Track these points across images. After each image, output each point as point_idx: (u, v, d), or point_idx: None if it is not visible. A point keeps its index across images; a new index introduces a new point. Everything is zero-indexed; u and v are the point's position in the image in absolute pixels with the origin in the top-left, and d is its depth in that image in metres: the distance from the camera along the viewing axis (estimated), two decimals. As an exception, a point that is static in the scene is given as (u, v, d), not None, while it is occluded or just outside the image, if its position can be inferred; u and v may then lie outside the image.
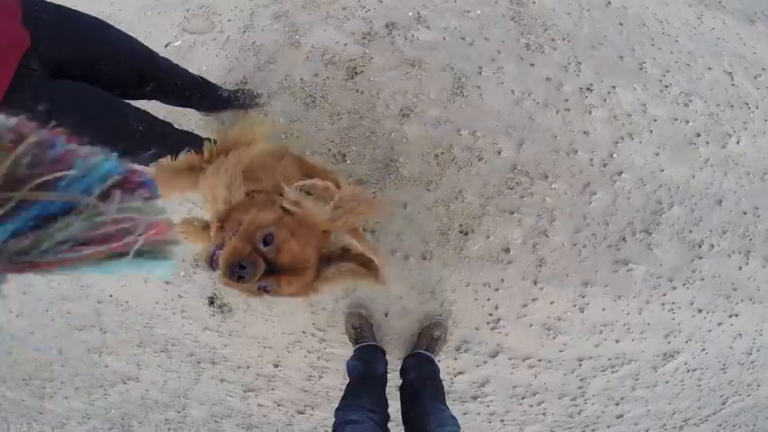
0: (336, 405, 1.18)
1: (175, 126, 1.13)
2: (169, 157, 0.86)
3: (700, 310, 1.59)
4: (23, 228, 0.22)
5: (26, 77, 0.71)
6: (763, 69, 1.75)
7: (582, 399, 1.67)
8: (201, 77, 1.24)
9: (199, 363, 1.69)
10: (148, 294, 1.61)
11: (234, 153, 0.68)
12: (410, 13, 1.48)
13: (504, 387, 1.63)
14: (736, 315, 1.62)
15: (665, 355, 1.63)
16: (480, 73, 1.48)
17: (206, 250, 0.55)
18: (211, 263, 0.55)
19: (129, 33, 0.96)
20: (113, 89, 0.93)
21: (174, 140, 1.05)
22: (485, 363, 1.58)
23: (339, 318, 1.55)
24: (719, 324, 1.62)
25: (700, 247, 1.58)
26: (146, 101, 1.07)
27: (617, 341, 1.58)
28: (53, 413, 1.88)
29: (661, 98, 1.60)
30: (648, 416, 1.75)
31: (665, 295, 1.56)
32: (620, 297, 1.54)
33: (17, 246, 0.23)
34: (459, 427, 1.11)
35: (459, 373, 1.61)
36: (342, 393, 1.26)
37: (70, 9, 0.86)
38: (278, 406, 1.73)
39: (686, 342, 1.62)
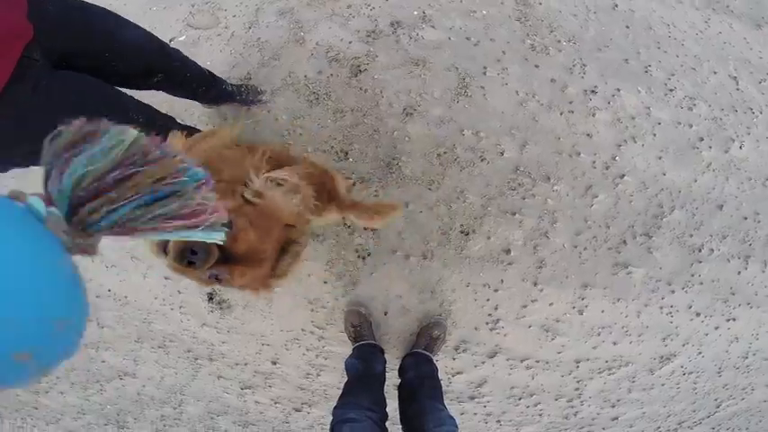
0: (334, 403, 1.21)
1: (178, 121, 1.18)
2: None
3: (698, 314, 1.66)
4: (141, 205, 0.35)
5: (28, 68, 0.74)
6: (769, 74, 1.81)
7: (578, 400, 1.73)
8: (208, 71, 1.27)
9: (196, 359, 1.74)
10: (147, 290, 1.65)
11: (186, 144, 0.71)
12: (415, 12, 1.52)
13: (501, 388, 1.68)
14: (734, 319, 1.69)
15: (662, 357, 1.69)
16: (485, 73, 1.52)
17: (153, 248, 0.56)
18: (164, 248, 0.56)
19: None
20: (118, 80, 0.96)
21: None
22: (483, 363, 1.64)
23: (338, 316, 1.60)
24: (716, 328, 1.69)
25: (700, 251, 1.64)
26: (147, 97, 1.11)
27: (615, 343, 1.64)
28: (48, 408, 1.92)
29: (665, 101, 1.65)
30: (643, 418, 1.81)
31: (663, 298, 1.63)
32: (618, 300, 1.60)
33: (133, 215, 0.35)
34: (456, 426, 1.14)
35: (458, 373, 1.66)
36: (339, 392, 1.29)
37: (78, 0, 0.89)
38: (275, 403, 1.79)
39: (683, 345, 1.68)
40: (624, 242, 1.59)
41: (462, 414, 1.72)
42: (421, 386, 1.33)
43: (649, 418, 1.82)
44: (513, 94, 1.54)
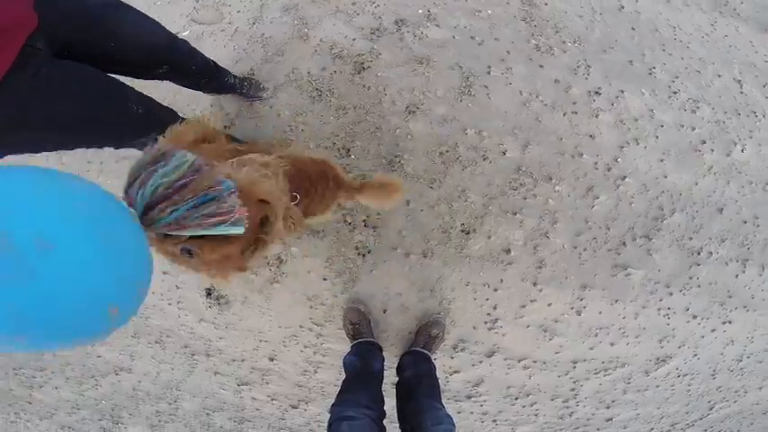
0: (331, 401, 1.24)
1: (180, 115, 1.22)
2: None
3: (694, 316, 1.73)
4: (192, 206, 0.51)
5: (30, 57, 0.76)
6: (773, 78, 1.88)
7: (574, 401, 1.80)
8: (213, 62, 1.30)
9: (193, 355, 1.79)
10: None
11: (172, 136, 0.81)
12: (420, 11, 1.56)
13: (498, 387, 1.74)
14: (730, 322, 1.76)
15: (658, 359, 1.76)
16: (489, 73, 1.57)
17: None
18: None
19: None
20: (121, 70, 0.98)
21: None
22: (480, 362, 1.69)
23: (337, 313, 1.65)
24: (713, 330, 1.76)
25: (698, 254, 1.71)
26: (151, 88, 1.14)
27: (612, 344, 1.71)
28: (42, 403, 1.96)
29: (669, 104, 1.71)
30: (637, 419, 1.88)
31: (661, 300, 1.69)
32: (617, 301, 1.66)
33: (187, 214, 0.51)
34: (454, 425, 1.17)
35: (455, 372, 1.71)
36: (336, 389, 1.32)
37: None
38: (271, 400, 1.84)
39: (679, 347, 1.75)
40: (624, 244, 1.65)
41: (459, 413, 1.77)
42: (419, 384, 1.36)
43: (643, 420, 1.89)
44: (516, 94, 1.59)
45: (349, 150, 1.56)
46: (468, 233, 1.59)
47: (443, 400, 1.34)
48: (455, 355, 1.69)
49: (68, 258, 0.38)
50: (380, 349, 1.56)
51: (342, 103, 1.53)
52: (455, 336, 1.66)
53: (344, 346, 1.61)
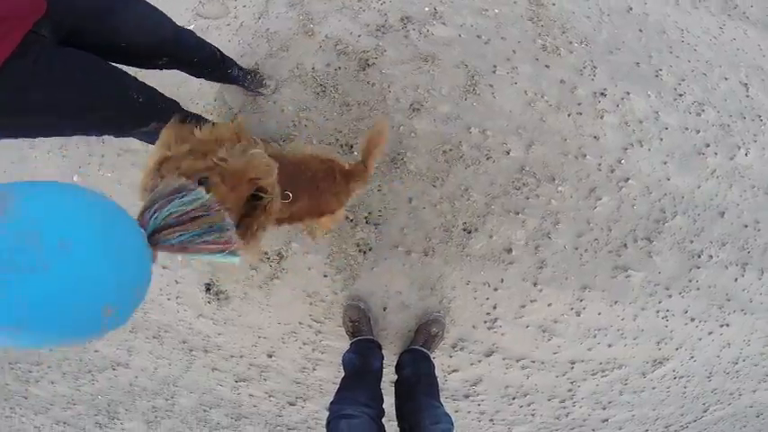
0: (329, 398, 1.26)
1: (182, 106, 1.25)
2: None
3: (692, 319, 1.79)
4: (197, 234, 0.61)
5: (33, 43, 0.79)
6: (780, 81, 1.93)
7: (570, 401, 1.85)
8: (219, 52, 1.32)
9: (191, 350, 1.84)
10: None
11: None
12: (426, 8, 1.58)
13: (496, 387, 1.79)
14: (727, 325, 1.82)
15: (655, 361, 1.82)
16: (494, 72, 1.60)
17: (147, 182, 0.74)
18: (151, 191, 0.71)
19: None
20: (123, 59, 1.01)
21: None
22: (479, 362, 1.74)
23: (336, 310, 1.69)
24: (710, 333, 1.82)
25: (699, 257, 1.77)
26: (157, 78, 1.17)
27: (610, 346, 1.77)
28: (37, 398, 1.99)
29: (674, 106, 1.76)
30: (633, 421, 1.94)
31: (660, 303, 1.75)
32: (616, 302, 1.72)
33: (191, 239, 0.60)
34: (452, 424, 1.20)
35: (453, 371, 1.76)
36: (335, 386, 1.35)
37: None
38: (269, 397, 1.89)
39: (676, 349, 1.81)
40: (625, 245, 1.71)
41: (456, 412, 1.82)
42: (418, 383, 1.39)
43: (638, 421, 1.95)
44: (521, 94, 1.63)
45: (352, 147, 1.60)
46: (469, 232, 1.63)
47: (441, 399, 1.37)
48: (454, 354, 1.74)
49: (80, 258, 0.46)
50: (380, 347, 1.59)
51: (346, 99, 1.56)
52: (454, 334, 1.71)
53: (344, 344, 1.66)
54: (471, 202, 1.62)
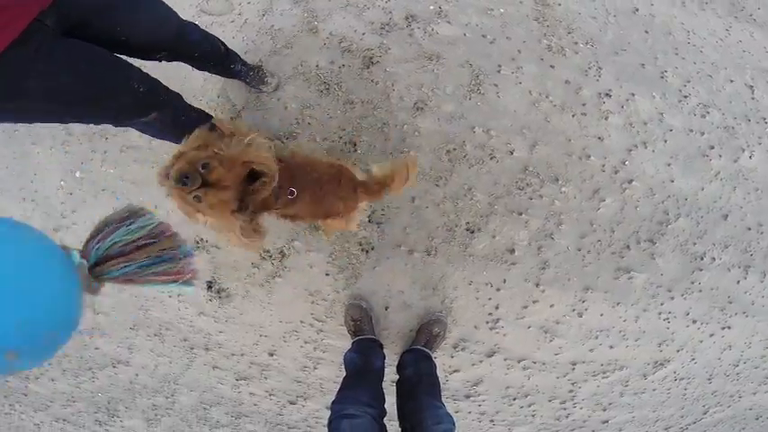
0: (329, 397, 1.27)
1: (184, 99, 1.28)
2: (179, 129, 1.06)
3: (694, 321, 1.82)
4: (145, 265, 0.57)
5: (36, 32, 0.81)
6: (786, 84, 1.96)
7: (571, 402, 1.88)
8: (224, 46, 1.35)
9: (192, 348, 1.87)
10: None
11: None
12: (431, 7, 1.61)
13: (497, 387, 1.82)
14: (729, 327, 1.86)
15: (656, 363, 1.85)
16: (499, 71, 1.63)
17: (164, 170, 0.91)
18: (167, 176, 0.89)
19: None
20: (125, 51, 1.03)
21: (179, 111, 1.17)
22: (480, 362, 1.77)
23: (338, 309, 1.72)
24: (711, 335, 1.86)
25: (701, 259, 1.81)
26: (164, 71, 1.19)
27: (611, 347, 1.80)
28: (37, 395, 2.02)
29: (679, 108, 1.79)
30: (633, 422, 1.97)
31: (662, 304, 1.78)
32: (618, 304, 1.75)
33: (137, 271, 0.56)
34: (454, 424, 1.22)
35: (455, 371, 1.79)
36: (335, 385, 1.36)
37: None
38: (269, 395, 1.92)
39: (677, 351, 1.84)
40: (628, 247, 1.74)
41: (457, 412, 1.85)
42: (419, 383, 1.42)
43: (638, 423, 1.99)
44: (526, 94, 1.66)
45: (355, 145, 1.63)
46: (472, 232, 1.67)
47: (442, 399, 1.39)
48: (455, 354, 1.77)
49: None
50: (381, 346, 1.62)
51: (349, 97, 1.59)
52: (456, 335, 1.74)
53: (345, 343, 1.68)
54: (474, 202, 1.65)
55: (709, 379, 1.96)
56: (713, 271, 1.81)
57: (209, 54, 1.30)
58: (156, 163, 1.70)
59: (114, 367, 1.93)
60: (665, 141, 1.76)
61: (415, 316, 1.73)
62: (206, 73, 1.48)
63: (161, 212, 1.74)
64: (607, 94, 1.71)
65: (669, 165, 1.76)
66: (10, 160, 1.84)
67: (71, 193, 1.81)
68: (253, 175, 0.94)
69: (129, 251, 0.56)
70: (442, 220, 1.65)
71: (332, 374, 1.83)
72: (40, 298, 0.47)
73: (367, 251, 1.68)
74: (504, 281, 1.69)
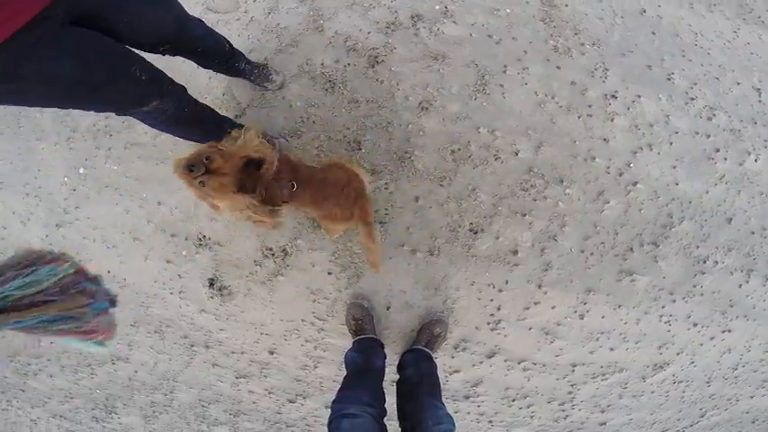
0: (329, 396, 1.29)
1: (188, 91, 1.30)
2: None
3: (695, 324, 1.86)
4: (42, 321, 0.52)
5: (44, 19, 0.83)
6: (793, 87, 1.98)
7: (570, 404, 1.91)
8: (229, 44, 1.36)
9: (192, 346, 1.90)
10: (147, 273, 1.77)
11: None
12: (437, 7, 1.62)
13: (496, 388, 1.85)
14: (729, 331, 1.89)
15: (656, 365, 1.89)
16: (505, 72, 1.64)
17: (178, 162, 1.05)
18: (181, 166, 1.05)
19: None
20: (130, 44, 1.06)
21: (182, 103, 1.19)
22: (481, 363, 1.80)
23: (340, 308, 1.75)
24: (711, 338, 1.89)
25: (704, 262, 1.84)
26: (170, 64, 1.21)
27: (611, 349, 1.84)
28: (35, 391, 2.04)
29: (685, 110, 1.82)
30: (630, 425, 2.01)
31: (663, 307, 1.81)
32: (620, 306, 1.78)
33: (34, 327, 0.52)
34: (454, 425, 1.23)
35: (455, 372, 1.82)
36: (335, 385, 1.38)
37: None
38: (269, 394, 1.95)
39: (677, 354, 1.87)
40: (631, 249, 1.77)
41: (456, 413, 1.87)
42: (420, 383, 1.43)
43: (635, 425, 2.02)
44: (531, 95, 1.68)
45: (360, 144, 1.66)
46: (476, 232, 1.70)
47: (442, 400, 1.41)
48: (456, 355, 1.80)
49: None
50: (382, 346, 1.64)
51: (354, 96, 1.61)
52: (457, 335, 1.77)
53: (346, 342, 1.71)
54: (478, 203, 1.68)
55: (707, 382, 2.00)
56: (716, 274, 1.85)
57: (212, 51, 1.32)
58: (160, 160, 1.72)
59: (113, 364, 1.96)
60: (671, 144, 1.78)
61: (416, 316, 1.76)
62: (211, 71, 1.50)
63: (163, 209, 1.77)
64: (613, 96, 1.73)
65: (674, 167, 1.79)
66: (14, 156, 1.86)
67: (75, 190, 1.83)
68: (257, 164, 1.11)
69: (25, 306, 0.51)
70: (445, 220, 1.68)
71: (332, 373, 1.85)
72: None
73: (369, 250, 1.71)
74: (507, 282, 1.72)
